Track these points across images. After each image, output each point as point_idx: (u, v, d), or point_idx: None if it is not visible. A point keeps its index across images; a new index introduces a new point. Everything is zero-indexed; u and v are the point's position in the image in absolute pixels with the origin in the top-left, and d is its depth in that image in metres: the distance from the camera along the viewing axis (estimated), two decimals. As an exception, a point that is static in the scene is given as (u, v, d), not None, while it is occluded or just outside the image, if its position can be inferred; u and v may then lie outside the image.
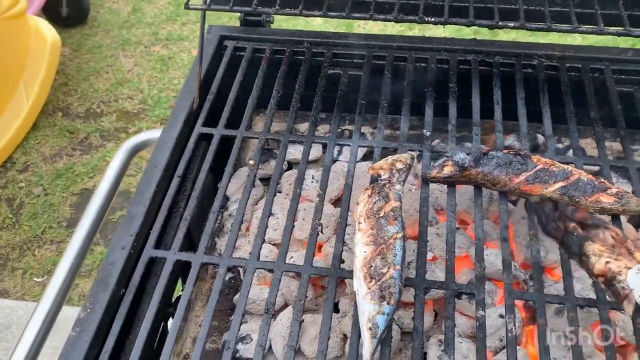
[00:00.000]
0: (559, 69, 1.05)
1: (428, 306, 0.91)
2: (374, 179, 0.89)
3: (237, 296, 0.94)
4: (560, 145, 1.09)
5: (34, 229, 2.45)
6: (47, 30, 2.75)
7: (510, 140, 1.09)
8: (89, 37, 3.33)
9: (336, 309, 0.93)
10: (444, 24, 0.86)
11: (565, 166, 0.85)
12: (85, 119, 2.88)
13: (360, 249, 0.79)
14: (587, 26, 0.86)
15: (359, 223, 0.82)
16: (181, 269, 0.88)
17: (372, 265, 0.76)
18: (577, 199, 0.82)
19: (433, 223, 1.00)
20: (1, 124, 2.64)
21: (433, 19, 0.87)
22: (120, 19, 3.43)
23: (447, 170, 0.87)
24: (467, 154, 0.87)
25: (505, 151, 0.87)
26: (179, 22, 3.37)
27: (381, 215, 0.81)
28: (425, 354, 0.86)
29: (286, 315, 0.90)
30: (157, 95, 2.97)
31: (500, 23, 0.85)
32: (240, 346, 0.89)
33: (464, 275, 0.92)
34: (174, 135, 0.98)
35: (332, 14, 0.91)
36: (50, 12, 3.15)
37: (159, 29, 3.35)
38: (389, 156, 0.91)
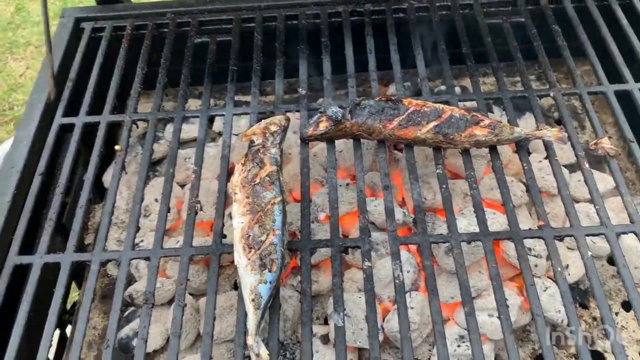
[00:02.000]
0: (430, 9, 1.03)
1: (326, 266, 0.88)
2: (250, 146, 0.85)
3: (130, 288, 0.88)
4: (443, 88, 1.08)
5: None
6: None
7: (392, 89, 1.07)
8: (-29, 44, 3.07)
9: (237, 286, 0.89)
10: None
11: (438, 105, 0.84)
12: (-21, 132, 2.68)
13: (238, 220, 0.75)
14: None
15: (235, 194, 0.77)
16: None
17: (250, 235, 0.72)
18: (451, 136, 0.81)
19: (324, 183, 0.97)
20: None
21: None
22: (3, 20, 3.18)
23: (322, 126, 0.84)
24: (340, 107, 0.84)
25: (377, 99, 0.84)
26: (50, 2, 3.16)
27: (257, 182, 0.77)
28: (325, 315, 0.84)
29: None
30: (35, 81, 2.78)
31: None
32: (137, 342, 0.84)
33: (357, 230, 0.90)
34: (30, 132, 0.90)
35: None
36: None
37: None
38: (262, 120, 0.87)
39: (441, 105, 0.84)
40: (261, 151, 0.82)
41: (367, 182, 0.94)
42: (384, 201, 0.80)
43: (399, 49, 0.99)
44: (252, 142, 0.84)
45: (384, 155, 0.85)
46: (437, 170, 0.82)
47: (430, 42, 1.01)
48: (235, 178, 0.79)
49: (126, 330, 0.87)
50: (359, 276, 0.87)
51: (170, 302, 0.88)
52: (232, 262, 0.78)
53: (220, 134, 1.08)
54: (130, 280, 0.92)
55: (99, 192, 1.01)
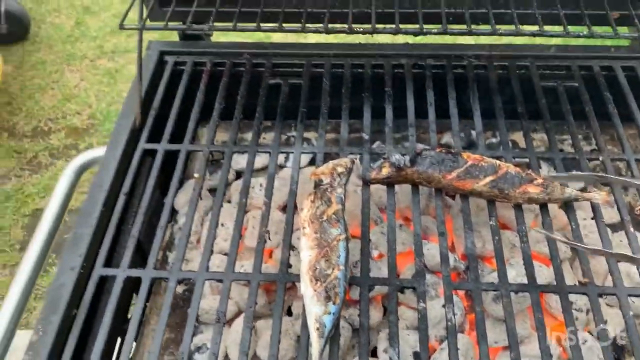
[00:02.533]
0: (488, 68, 1.11)
1: (377, 302, 0.94)
2: (317, 185, 0.92)
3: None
4: (494, 140, 1.15)
5: (-15, 254, 2.38)
6: (-13, 49, 2.68)
7: (447, 138, 1.14)
8: (32, 53, 3.25)
9: (290, 312, 0.96)
10: (372, 33, 0.90)
11: (494, 161, 0.90)
12: (33, 138, 2.82)
13: (305, 252, 0.82)
14: (505, 27, 0.92)
15: (304, 228, 0.85)
16: (135, 285, 0.89)
17: (317, 268, 0.79)
18: (505, 191, 0.87)
19: (378, 222, 1.04)
20: (-57, 148, 2.56)
21: (361, 29, 0.91)
22: (63, 33, 3.36)
23: (385, 171, 0.91)
24: (403, 155, 0.91)
25: (438, 150, 0.91)
26: (124, 34, 3.33)
27: (324, 219, 0.85)
28: (375, 347, 0.90)
29: (241, 323, 0.92)
30: (106, 109, 2.92)
31: (424, 29, 0.90)
32: (197, 356, 0.91)
33: (409, 270, 0.96)
34: (117, 154, 0.99)
35: (265, 27, 0.93)
36: (-12, 29, 3.06)
37: (104, 41, 3.30)
38: (330, 161, 0.94)
39: (497, 162, 0.90)
40: (329, 190, 0.89)
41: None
42: (440, 247, 0.86)
43: (457, 102, 1.06)
44: (320, 180, 0.91)
45: (440, 202, 0.92)
46: (491, 222, 0.89)
47: (486, 97, 1.07)
48: (305, 213, 0.87)
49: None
50: (407, 314, 0.93)
51: (229, 322, 0.95)
52: (290, 288, 0.86)
53: (281, 166, 1.17)
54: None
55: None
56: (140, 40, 1.02)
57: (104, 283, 0.87)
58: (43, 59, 3.20)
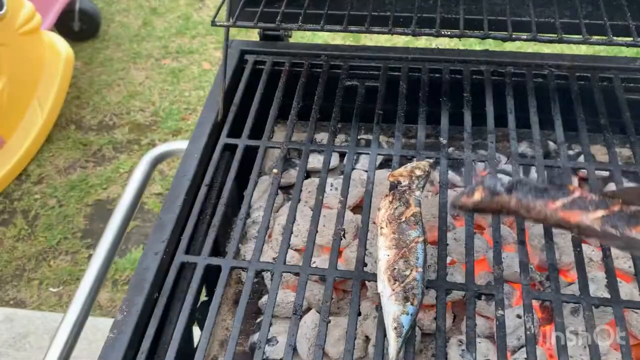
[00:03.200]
0: (569, 78, 1.09)
1: (447, 308, 0.94)
2: (394, 186, 0.93)
3: (262, 300, 0.98)
4: (571, 152, 1.13)
5: (49, 240, 2.49)
6: (61, 45, 2.81)
7: (523, 147, 1.13)
8: (101, 50, 3.39)
9: (359, 312, 0.97)
10: (460, 37, 0.91)
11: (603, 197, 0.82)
12: (98, 132, 2.94)
13: (384, 252, 0.82)
14: (597, 37, 0.91)
15: (381, 228, 0.85)
16: (210, 273, 0.92)
17: (395, 268, 0.80)
18: (620, 230, 0.79)
19: (450, 228, 1.04)
20: (16, 137, 2.69)
21: (449, 33, 0.91)
22: (130, 32, 3.49)
23: (477, 196, 0.81)
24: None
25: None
26: (188, 36, 3.43)
27: (402, 220, 0.85)
28: (446, 353, 0.89)
29: (310, 318, 0.94)
30: (168, 107, 3.02)
31: (513, 35, 0.89)
32: (267, 348, 0.93)
33: (481, 278, 0.96)
34: (200, 146, 1.02)
35: (352, 28, 0.95)
36: (62, 26, 3.21)
37: (169, 42, 3.41)
38: (408, 164, 0.95)
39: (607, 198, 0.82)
40: (407, 192, 0.89)
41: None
42: (519, 255, 0.85)
43: (537, 111, 1.04)
44: (398, 182, 0.92)
45: (520, 211, 0.90)
46: (572, 234, 0.87)
47: (566, 108, 1.06)
48: (382, 213, 0.87)
49: (257, 337, 0.96)
50: (479, 322, 0.91)
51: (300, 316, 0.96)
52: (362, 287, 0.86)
53: (353, 168, 1.17)
54: (262, 290, 1.02)
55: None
56: (227, 37, 1.05)
57: (183, 269, 0.90)
58: (111, 57, 3.34)
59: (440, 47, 1.18)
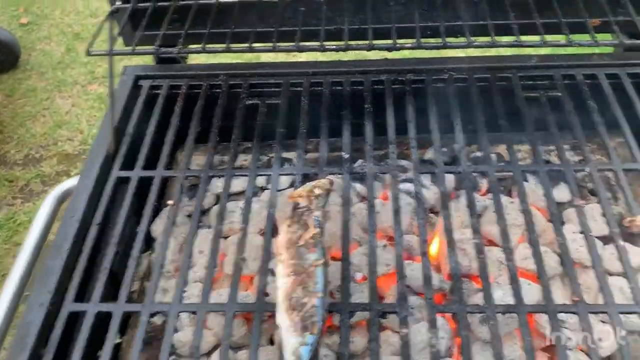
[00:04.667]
0: (468, 80, 1.08)
1: (362, 327, 0.91)
2: (295, 208, 0.89)
3: (176, 335, 0.92)
4: (479, 154, 1.12)
5: (-23, 285, 2.34)
6: (-24, 79, 2.67)
7: (430, 154, 1.11)
8: (22, 81, 3.25)
9: (272, 341, 0.93)
10: (345, 50, 0.88)
11: None
12: (24, 166, 2.80)
13: (282, 280, 0.78)
14: (481, 39, 0.90)
15: (280, 254, 0.82)
16: (109, 318, 0.86)
17: (293, 297, 0.76)
18: None
19: (362, 243, 1.01)
20: None
21: (334, 46, 0.89)
22: (53, 60, 3.36)
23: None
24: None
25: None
26: (115, 59, 3.32)
27: (301, 244, 0.82)
28: (360, 376, 0.86)
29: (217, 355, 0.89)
30: (97, 134, 2.90)
31: (397, 45, 0.88)
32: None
33: (394, 292, 0.93)
34: (90, 183, 0.96)
35: (235, 47, 0.91)
36: (-22, 59, 3.07)
37: (95, 67, 3.29)
38: (308, 183, 0.91)
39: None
40: (306, 214, 0.86)
41: (404, 245, 0.98)
42: (422, 268, 0.83)
43: (438, 117, 1.03)
44: (297, 204, 0.88)
45: (423, 220, 0.89)
46: (475, 240, 0.85)
47: (468, 110, 1.05)
48: (281, 239, 0.84)
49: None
50: (393, 339, 0.89)
51: (209, 353, 0.91)
52: (271, 316, 0.82)
53: (262, 188, 1.14)
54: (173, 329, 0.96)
55: (146, 240, 1.07)
56: (111, 66, 1.00)
57: (76, 319, 0.84)
58: (34, 87, 3.20)
59: (344, 59, 1.16)
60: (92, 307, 0.82)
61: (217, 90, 1.11)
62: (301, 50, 0.88)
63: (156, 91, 1.12)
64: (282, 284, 0.78)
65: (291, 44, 0.89)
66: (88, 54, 0.91)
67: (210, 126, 1.05)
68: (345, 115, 1.05)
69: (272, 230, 0.91)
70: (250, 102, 1.09)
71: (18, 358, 0.77)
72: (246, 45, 0.89)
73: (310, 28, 0.99)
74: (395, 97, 1.06)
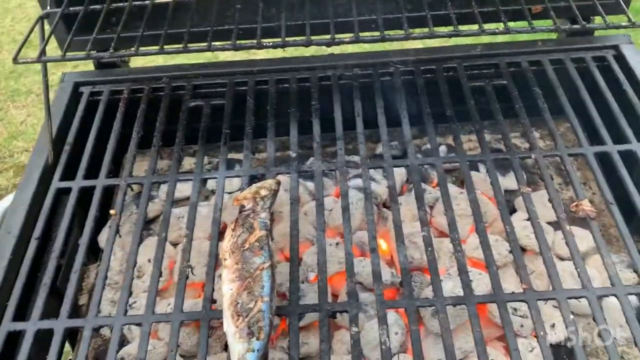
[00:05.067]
0: (415, 73, 1.07)
1: (316, 328, 0.89)
2: (241, 211, 0.87)
3: (125, 348, 0.89)
4: (429, 146, 1.11)
5: None
6: None
7: (380, 148, 1.10)
8: (-27, 92, 3.14)
9: (227, 348, 0.90)
10: (282, 46, 0.86)
11: None
12: (-21, 180, 2.71)
13: (227, 286, 0.76)
14: (419, 31, 0.89)
15: (225, 260, 0.80)
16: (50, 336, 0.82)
17: (238, 302, 0.74)
18: None
19: (314, 242, 0.99)
20: None
21: (270, 44, 0.87)
22: (5, 69, 3.25)
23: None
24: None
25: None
26: (69, 66, 3.22)
27: (246, 247, 0.80)
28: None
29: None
30: (35, 145, 2.82)
31: (336, 39, 0.86)
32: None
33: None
34: (27, 196, 0.92)
35: (169, 49, 0.88)
36: None
37: (50, 74, 3.20)
38: (253, 184, 0.89)
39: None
40: (251, 216, 0.84)
41: (356, 242, 0.97)
42: (371, 264, 0.82)
43: (386, 110, 1.02)
44: (242, 206, 0.86)
45: (372, 217, 0.87)
46: (423, 233, 0.85)
47: (415, 103, 1.04)
48: (225, 244, 0.82)
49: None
50: (348, 338, 0.88)
51: (161, 364, 0.89)
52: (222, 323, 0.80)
53: (213, 192, 1.11)
54: (123, 341, 0.93)
55: (93, 252, 1.03)
56: (45, 72, 0.96)
57: (16, 338, 0.80)
58: (-15, 97, 3.09)
59: (291, 56, 1.14)
60: (32, 325, 0.79)
61: (160, 93, 1.08)
62: (237, 49, 0.86)
63: (97, 97, 1.09)
64: (227, 289, 0.76)
65: (228, 42, 0.87)
66: (15, 61, 0.86)
67: (154, 130, 1.02)
68: (292, 113, 1.03)
69: (219, 235, 0.88)
70: (194, 103, 1.06)
71: (-48, 385, 0.73)
72: (181, 45, 0.87)
73: (249, 26, 0.97)
74: (343, 93, 1.05)
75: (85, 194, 0.95)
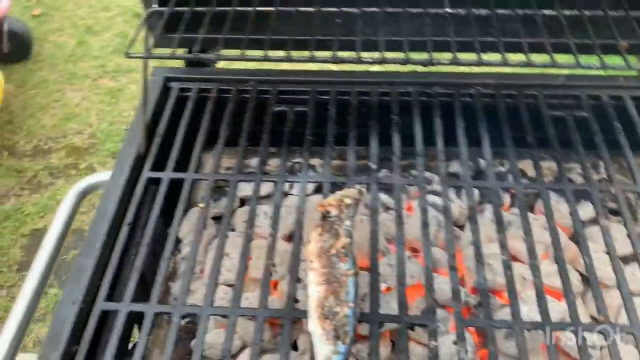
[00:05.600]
0: (496, 97, 1.09)
1: (385, 337, 0.92)
2: (325, 216, 0.90)
3: (193, 342, 0.93)
4: (502, 169, 1.13)
5: (-17, 274, 2.35)
6: (-11, 69, 2.68)
7: (455, 167, 1.13)
8: (34, 72, 3.25)
9: (296, 347, 0.94)
10: (380, 63, 0.89)
11: None
12: (33, 157, 2.80)
13: (314, 289, 0.80)
14: (517, 58, 0.91)
15: (311, 262, 0.83)
16: (137, 318, 0.87)
17: (325, 305, 0.77)
18: None
19: (386, 253, 1.02)
20: (-58, 167, 2.54)
21: (371, 60, 0.90)
22: (65, 53, 3.36)
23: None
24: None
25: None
26: (155, 61, 3.32)
27: (332, 253, 0.83)
28: (384, 386, 0.87)
29: (246, 358, 0.90)
30: (107, 129, 2.92)
31: (434, 61, 0.89)
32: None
33: (419, 304, 0.94)
34: (121, 183, 0.97)
35: (273, 56, 0.92)
36: (-10, 49, 3.07)
37: (107, 61, 3.30)
38: (338, 192, 0.92)
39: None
40: (337, 223, 0.87)
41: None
42: (451, 282, 0.84)
43: (465, 130, 1.04)
44: (328, 212, 0.89)
45: (451, 234, 0.90)
46: (503, 257, 0.87)
47: (494, 126, 1.06)
48: (312, 247, 0.85)
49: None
50: (417, 351, 0.90)
51: (234, 357, 0.92)
52: (296, 322, 0.83)
53: (286, 194, 1.15)
54: (195, 330, 0.97)
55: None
56: (146, 68, 1.00)
57: (106, 318, 0.85)
58: (45, 78, 3.20)
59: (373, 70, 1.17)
60: (125, 307, 0.83)
61: (246, 96, 1.12)
62: (337, 62, 0.89)
63: (186, 94, 1.13)
64: (314, 292, 0.79)
65: (328, 54, 0.90)
66: (127, 56, 0.91)
67: (239, 131, 1.06)
68: (372, 126, 1.06)
69: (299, 237, 0.91)
70: (279, 109, 1.10)
71: (52, 354, 0.78)
72: (284, 54, 0.90)
73: (349, 38, 1.00)
74: (423, 109, 1.08)
75: (172, 186, 1.00)
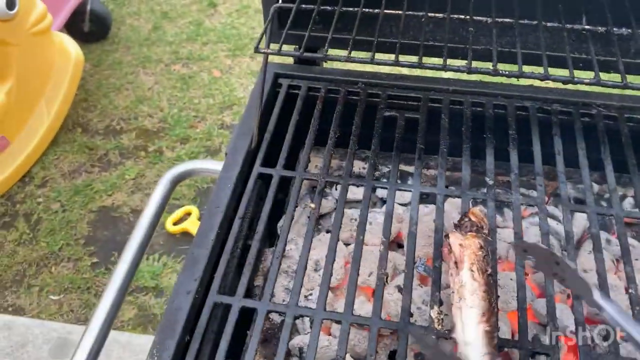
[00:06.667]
0: (618, 119, 1.04)
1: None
2: (472, 227, 0.86)
3: (292, 341, 0.92)
4: (629, 200, 1.08)
5: (51, 245, 2.43)
6: (71, 47, 2.76)
7: (569, 189, 1.08)
8: (110, 53, 3.33)
9: (393, 358, 0.92)
10: (518, 77, 0.86)
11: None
12: (105, 136, 2.88)
13: (476, 304, 0.76)
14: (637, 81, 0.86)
15: (472, 272, 0.79)
16: (247, 313, 0.86)
17: (484, 327, 0.74)
18: None
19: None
20: (21, 139, 2.63)
21: (507, 72, 0.87)
22: (141, 36, 3.44)
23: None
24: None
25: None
26: (199, 42, 3.38)
27: (488, 272, 0.80)
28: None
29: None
30: (177, 114, 2.96)
31: (575, 79, 0.85)
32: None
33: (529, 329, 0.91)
34: (233, 175, 0.97)
35: (379, 59, 0.90)
36: (72, 27, 3.16)
37: (180, 47, 3.36)
38: (476, 207, 0.90)
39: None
40: (488, 241, 0.84)
41: (538, 282, 0.95)
42: (575, 313, 0.81)
43: (586, 152, 1.00)
44: (480, 227, 0.86)
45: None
46: (631, 291, 0.82)
47: (618, 149, 1.01)
48: (470, 255, 0.81)
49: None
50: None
51: (334, 363, 0.91)
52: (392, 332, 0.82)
53: (382, 200, 1.12)
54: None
55: (269, 237, 1.07)
56: (266, 64, 1.00)
57: (216, 310, 0.85)
58: (120, 60, 3.28)
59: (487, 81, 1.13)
60: (238, 302, 0.83)
61: (355, 98, 1.11)
62: (447, 70, 0.86)
63: (295, 91, 1.12)
64: (475, 307, 0.76)
65: (463, 63, 0.88)
66: (257, 50, 0.91)
67: (347, 133, 1.04)
68: (487, 139, 1.03)
69: (413, 248, 0.89)
70: (389, 113, 1.08)
71: (167, 342, 0.78)
72: (391, 58, 0.88)
73: (455, 45, 0.97)
74: (541, 126, 1.04)
75: (280, 182, 0.99)
